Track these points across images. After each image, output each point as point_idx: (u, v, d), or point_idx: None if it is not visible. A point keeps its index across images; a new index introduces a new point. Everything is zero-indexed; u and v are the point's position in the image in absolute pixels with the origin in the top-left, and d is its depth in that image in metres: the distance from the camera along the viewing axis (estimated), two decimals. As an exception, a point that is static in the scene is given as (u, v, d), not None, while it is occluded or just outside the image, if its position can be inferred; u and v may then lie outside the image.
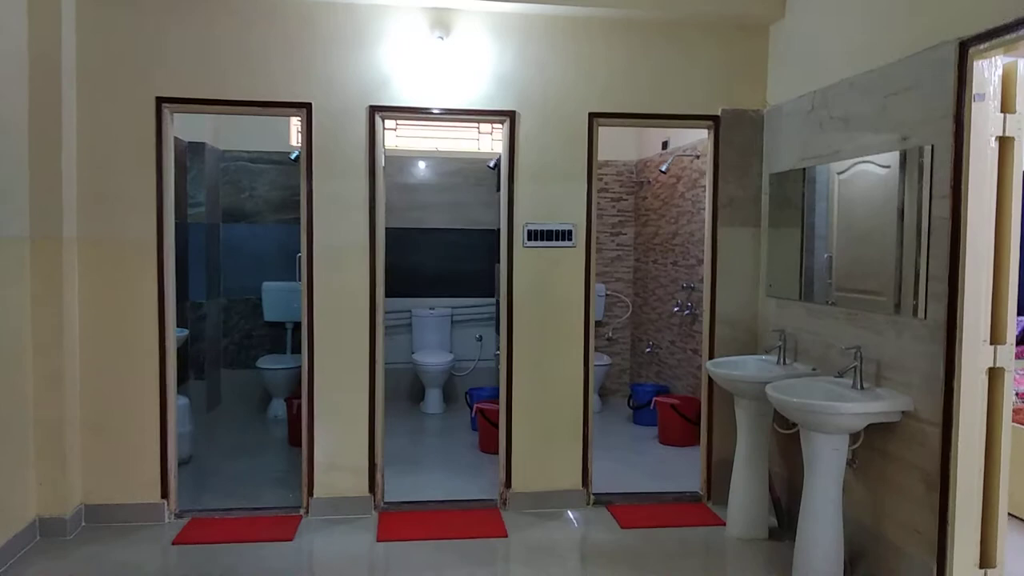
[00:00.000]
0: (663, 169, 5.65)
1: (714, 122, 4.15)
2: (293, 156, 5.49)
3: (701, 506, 4.21)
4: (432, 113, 3.99)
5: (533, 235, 4.06)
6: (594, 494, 4.19)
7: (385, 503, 4.06)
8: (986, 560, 2.89)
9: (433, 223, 6.72)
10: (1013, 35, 2.54)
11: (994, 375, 2.87)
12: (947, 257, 2.82)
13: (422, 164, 6.66)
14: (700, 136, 5.44)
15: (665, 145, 6.18)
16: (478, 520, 3.97)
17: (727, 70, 4.15)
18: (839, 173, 3.45)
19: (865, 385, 3.19)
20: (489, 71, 4.00)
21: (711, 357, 4.19)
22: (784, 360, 3.83)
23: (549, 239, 4.07)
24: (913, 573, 2.99)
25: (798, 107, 3.81)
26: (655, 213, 6.40)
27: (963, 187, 2.77)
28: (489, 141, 6.83)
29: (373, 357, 3.98)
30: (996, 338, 2.85)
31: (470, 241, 6.81)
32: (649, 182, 6.54)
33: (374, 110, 3.91)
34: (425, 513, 4.04)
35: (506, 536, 3.79)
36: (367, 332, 3.97)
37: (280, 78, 3.86)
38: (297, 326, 6.40)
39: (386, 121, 3.98)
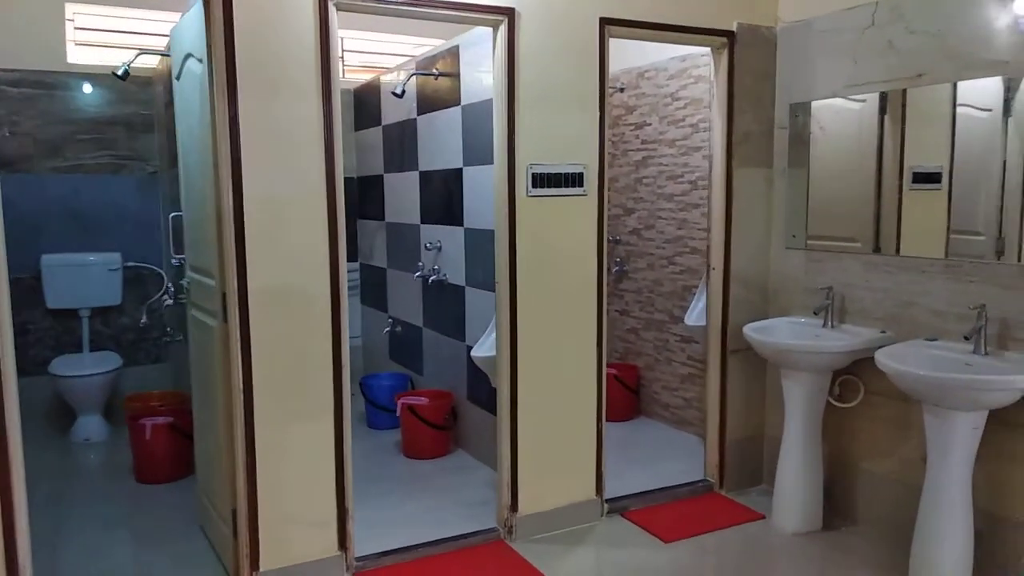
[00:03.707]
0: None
1: (729, 39, 3.42)
2: (120, 71, 3.76)
3: (718, 497, 3.59)
4: (404, 4, 2.79)
5: (539, 180, 3.06)
6: (606, 501, 3.38)
7: (358, 560, 2.89)
8: None
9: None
10: None
11: None
12: None
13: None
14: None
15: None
16: (491, 562, 2.97)
17: (743, -24, 3.44)
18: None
19: (989, 349, 2.74)
20: (475, -49, 2.88)
21: (725, 321, 3.55)
22: (832, 322, 3.29)
23: (557, 185, 3.10)
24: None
25: (845, 22, 3.21)
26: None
27: None
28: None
29: (338, 358, 2.76)
30: None
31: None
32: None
33: (326, -7, 2.62)
34: (416, 564, 2.94)
35: (544, 580, 2.86)
36: (329, 319, 2.74)
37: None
38: (95, 313, 4.70)
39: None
